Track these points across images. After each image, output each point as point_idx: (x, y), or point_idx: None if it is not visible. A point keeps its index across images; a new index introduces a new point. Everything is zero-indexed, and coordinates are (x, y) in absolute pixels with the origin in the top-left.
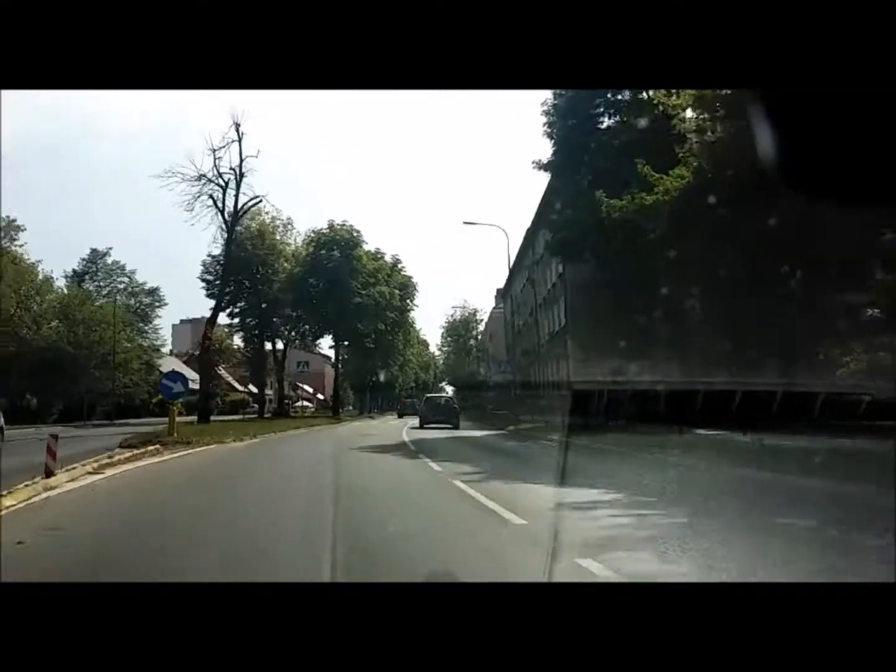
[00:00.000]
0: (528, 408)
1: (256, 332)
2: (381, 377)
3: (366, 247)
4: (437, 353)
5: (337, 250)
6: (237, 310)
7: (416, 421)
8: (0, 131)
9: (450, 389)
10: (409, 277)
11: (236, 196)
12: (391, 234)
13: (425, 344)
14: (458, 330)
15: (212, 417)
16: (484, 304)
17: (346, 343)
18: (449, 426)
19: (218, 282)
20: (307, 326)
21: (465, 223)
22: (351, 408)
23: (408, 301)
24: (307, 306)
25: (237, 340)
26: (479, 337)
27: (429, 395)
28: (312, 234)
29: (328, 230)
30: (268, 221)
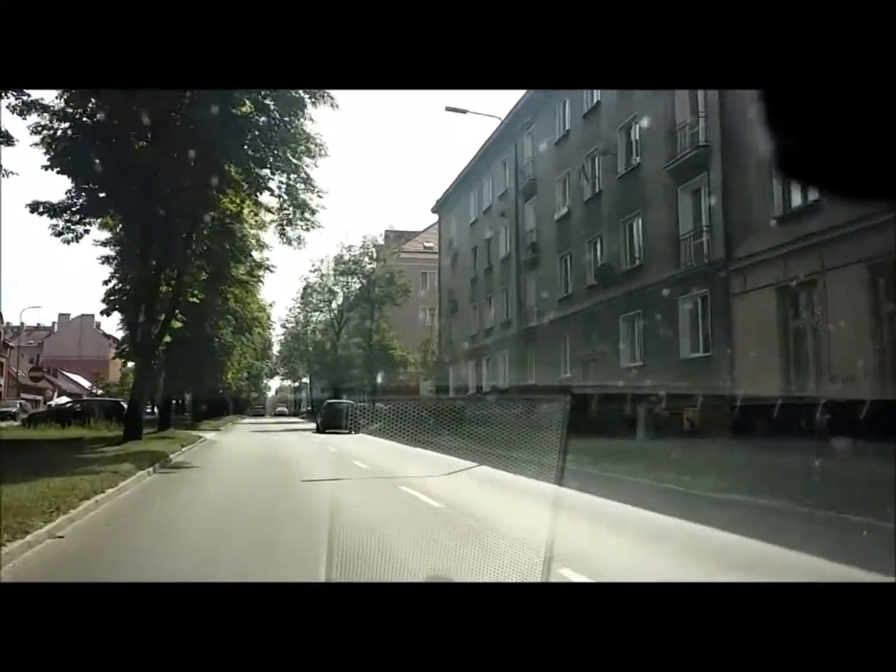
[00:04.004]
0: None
1: None
2: (236, 352)
3: None
4: (280, 329)
5: None
6: None
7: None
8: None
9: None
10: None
11: None
12: None
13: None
14: (344, 273)
15: None
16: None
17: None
18: (346, 432)
19: None
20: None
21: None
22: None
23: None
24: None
25: None
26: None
27: (329, 400)
28: None
29: None
30: None
